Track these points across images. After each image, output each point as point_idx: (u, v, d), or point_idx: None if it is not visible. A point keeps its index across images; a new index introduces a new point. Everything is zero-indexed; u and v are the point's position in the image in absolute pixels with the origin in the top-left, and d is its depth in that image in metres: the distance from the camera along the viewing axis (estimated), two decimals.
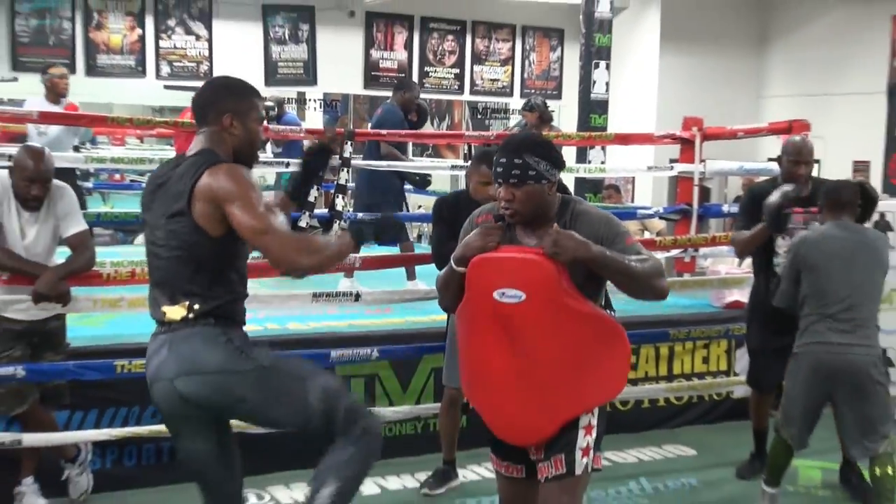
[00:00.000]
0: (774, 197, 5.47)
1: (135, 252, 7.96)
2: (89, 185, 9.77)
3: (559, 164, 3.30)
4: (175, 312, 3.07)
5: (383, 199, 7.87)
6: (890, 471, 4.61)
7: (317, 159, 3.56)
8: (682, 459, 6.15)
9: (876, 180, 12.51)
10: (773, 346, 5.72)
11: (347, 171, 6.16)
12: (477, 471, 5.69)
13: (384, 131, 7.39)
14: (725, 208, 9.33)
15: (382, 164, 7.49)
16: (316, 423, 3.10)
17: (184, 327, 3.09)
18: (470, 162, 5.25)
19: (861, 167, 12.66)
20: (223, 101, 3.18)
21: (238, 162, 3.19)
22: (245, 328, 3.30)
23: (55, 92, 8.43)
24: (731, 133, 7.80)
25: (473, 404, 3.58)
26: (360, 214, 7.55)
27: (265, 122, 9.90)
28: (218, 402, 3.10)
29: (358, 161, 8.36)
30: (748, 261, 7.88)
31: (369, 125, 9.32)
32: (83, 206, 7.71)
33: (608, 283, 3.36)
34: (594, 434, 3.26)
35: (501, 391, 3.34)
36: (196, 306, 3.06)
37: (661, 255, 6.57)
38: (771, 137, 9.01)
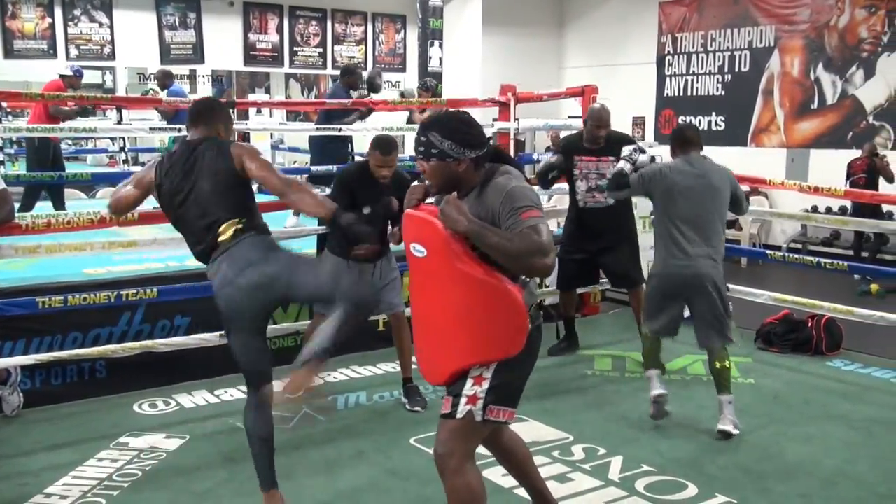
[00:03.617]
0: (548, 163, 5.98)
1: (45, 206, 7.51)
2: (11, 151, 9.19)
3: (469, 143, 2.78)
4: (227, 231, 3.38)
5: (323, 156, 7.69)
6: (727, 364, 4.52)
7: None
8: None
9: (649, 132, 12.89)
10: (575, 257, 5.90)
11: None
12: (345, 373, 5.66)
13: (261, 100, 7.18)
14: (535, 157, 9.43)
15: (289, 127, 7.43)
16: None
17: (235, 240, 3.38)
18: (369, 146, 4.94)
19: (638, 121, 13.00)
20: (217, 118, 3.65)
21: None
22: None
23: None
24: (538, 97, 7.83)
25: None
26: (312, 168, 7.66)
27: (159, 92, 9.38)
28: (266, 286, 3.35)
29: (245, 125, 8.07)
30: (555, 197, 7.97)
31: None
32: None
33: None
34: (484, 385, 2.79)
35: (417, 333, 3.04)
36: (242, 224, 3.40)
37: None
38: (570, 100, 9.11)
